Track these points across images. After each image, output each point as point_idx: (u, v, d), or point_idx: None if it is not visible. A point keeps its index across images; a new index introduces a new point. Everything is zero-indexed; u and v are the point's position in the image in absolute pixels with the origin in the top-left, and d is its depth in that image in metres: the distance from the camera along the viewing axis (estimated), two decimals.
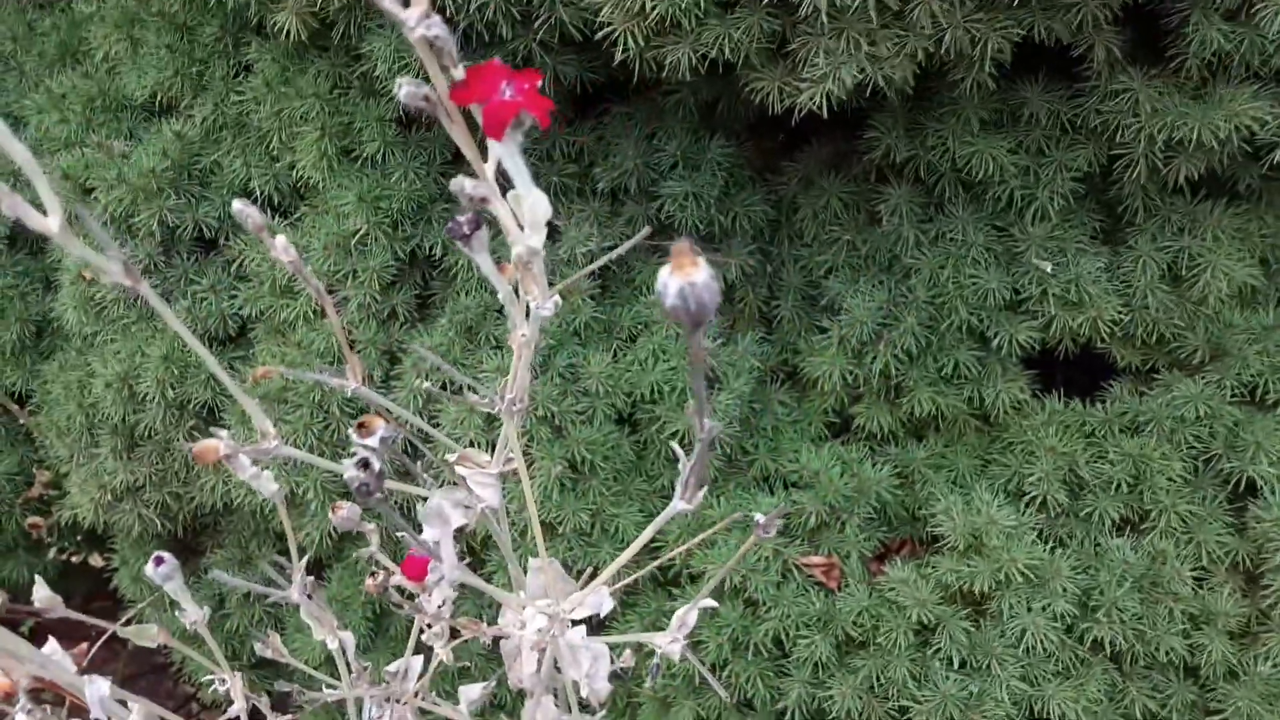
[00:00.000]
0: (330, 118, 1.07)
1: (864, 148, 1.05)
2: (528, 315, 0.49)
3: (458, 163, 1.14)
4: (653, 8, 0.85)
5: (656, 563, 0.55)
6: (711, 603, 0.60)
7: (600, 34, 0.90)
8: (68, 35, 1.35)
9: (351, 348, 1.13)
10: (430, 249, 1.12)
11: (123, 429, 1.21)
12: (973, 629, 1.00)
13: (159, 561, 0.53)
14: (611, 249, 1.15)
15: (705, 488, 0.46)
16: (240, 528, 1.29)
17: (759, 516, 0.53)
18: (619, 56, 0.90)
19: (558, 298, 0.46)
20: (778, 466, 1.11)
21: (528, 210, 0.42)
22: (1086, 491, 1.06)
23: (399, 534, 0.60)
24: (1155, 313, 1.05)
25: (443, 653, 0.68)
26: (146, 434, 1.19)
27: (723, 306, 1.16)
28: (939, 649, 0.99)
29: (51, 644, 0.77)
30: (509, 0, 0.90)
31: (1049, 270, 0.98)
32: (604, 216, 1.12)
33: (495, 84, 0.39)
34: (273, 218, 1.16)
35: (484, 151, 0.42)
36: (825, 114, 0.87)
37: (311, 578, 0.60)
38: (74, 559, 1.40)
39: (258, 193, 1.16)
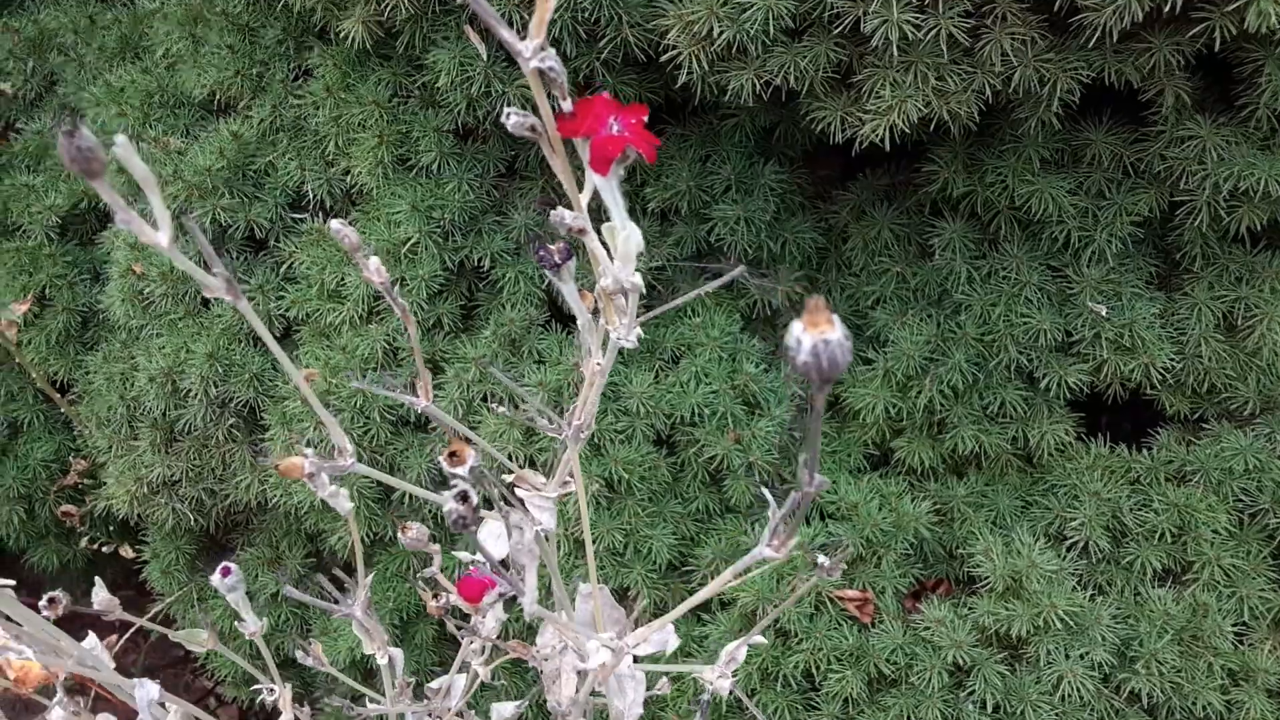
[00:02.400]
0: (388, 125, 1.08)
1: (920, 181, 1.04)
2: (604, 344, 0.48)
3: (510, 176, 1.14)
4: (720, 33, 0.85)
5: (707, 592, 0.54)
6: (761, 639, 0.60)
7: (665, 56, 0.90)
8: (129, 30, 1.36)
9: (396, 355, 1.13)
10: (479, 260, 1.12)
11: (163, 423, 1.21)
12: (1008, 673, 0.98)
13: (226, 572, 0.53)
14: (661, 269, 1.15)
15: (796, 538, 0.46)
16: (272, 527, 1.29)
17: (823, 559, 0.52)
18: (682, 79, 0.90)
19: (640, 330, 0.46)
20: (816, 496, 1.10)
21: (621, 243, 0.42)
22: (1129, 539, 1.05)
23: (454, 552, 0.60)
24: (1208, 362, 1.03)
25: (483, 671, 0.67)
26: (186, 429, 1.20)
27: (765, 332, 1.16)
28: (973, 692, 0.97)
29: (91, 639, 0.77)
30: (576, 20, 0.90)
31: (1104, 313, 0.97)
32: (653, 236, 1.12)
33: (603, 118, 0.39)
34: (324, 221, 1.16)
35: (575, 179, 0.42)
36: (887, 146, 0.86)
37: (366, 592, 0.60)
38: (104, 549, 1.41)
39: (311, 196, 1.16)
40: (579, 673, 0.67)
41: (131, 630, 0.90)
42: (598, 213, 1.17)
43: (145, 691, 0.53)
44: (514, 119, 0.40)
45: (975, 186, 1.00)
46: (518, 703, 0.80)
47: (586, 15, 0.90)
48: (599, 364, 0.49)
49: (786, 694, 1.01)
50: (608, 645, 0.51)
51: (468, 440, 0.45)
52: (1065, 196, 0.98)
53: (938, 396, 1.05)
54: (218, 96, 1.21)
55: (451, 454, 0.38)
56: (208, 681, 1.69)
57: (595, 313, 0.49)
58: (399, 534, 0.54)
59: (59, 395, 1.31)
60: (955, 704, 0.97)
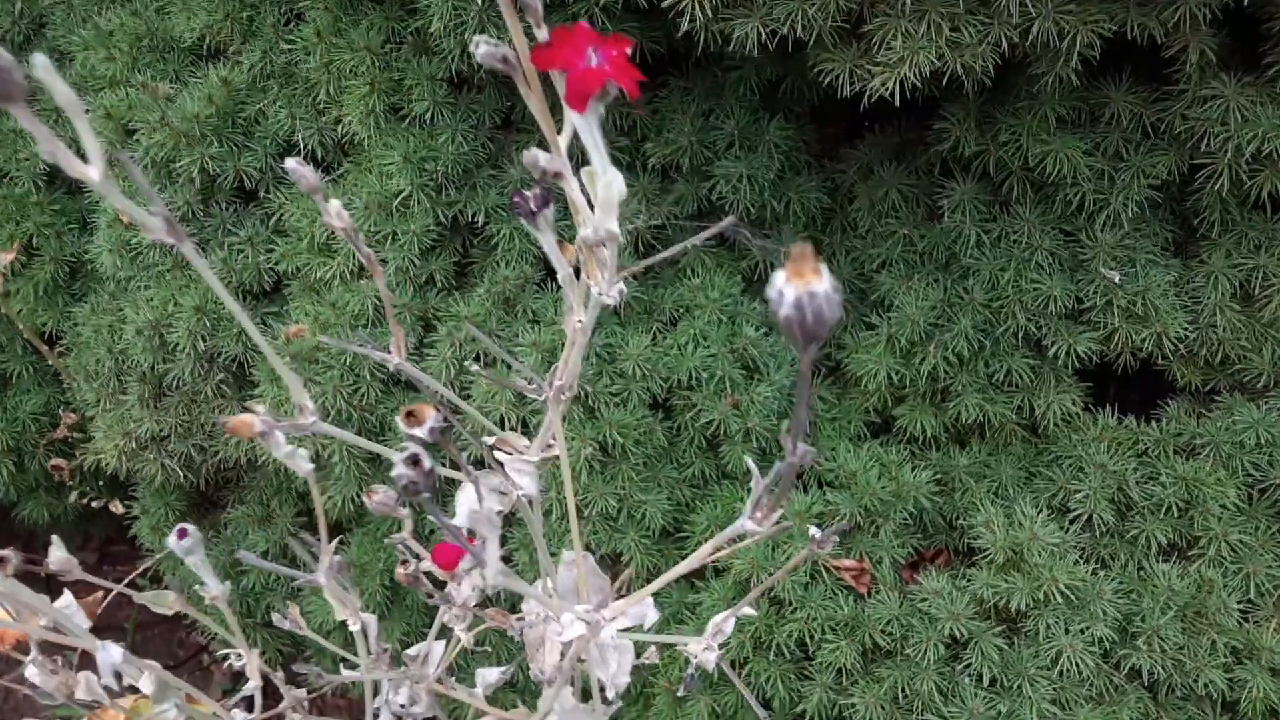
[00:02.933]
0: (380, 73, 1.04)
1: (931, 139, 1.01)
2: (587, 300, 0.45)
3: (506, 128, 1.10)
4: None
5: (687, 565, 0.51)
6: (750, 611, 0.57)
7: (666, 2, 0.86)
8: None
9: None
10: (473, 215, 1.09)
11: (151, 377, 1.19)
12: (1006, 646, 0.96)
13: (182, 534, 0.51)
14: (660, 229, 1.11)
15: (781, 511, 0.43)
16: (262, 485, 1.27)
17: (814, 530, 0.49)
18: (684, 27, 0.86)
19: (622, 285, 0.43)
20: (814, 464, 1.07)
21: (602, 189, 0.39)
22: (1134, 513, 1.02)
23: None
24: (1222, 332, 1.00)
25: (464, 637, 0.65)
26: (175, 384, 1.17)
27: (764, 293, 1.13)
28: (969, 665, 0.95)
29: (66, 598, 0.75)
30: None
31: (1117, 280, 0.94)
32: (652, 193, 1.09)
33: (581, 49, 0.36)
34: (315, 172, 1.13)
35: (559, 122, 0.39)
36: (897, 101, 0.83)
37: (338, 557, 0.58)
38: (94, 503, 1.39)
39: (302, 145, 1.13)
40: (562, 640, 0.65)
41: (116, 590, 0.88)
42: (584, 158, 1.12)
43: (107, 655, 0.51)
44: (483, 49, 0.37)
45: (988, 146, 0.97)
46: (503, 668, 0.78)
47: None
48: (580, 321, 0.46)
49: (779, 663, 1.00)
50: (583, 618, 0.49)
51: (437, 403, 0.43)
52: (1081, 157, 0.94)
53: (942, 364, 1.02)
54: (207, 41, 1.17)
55: (409, 414, 0.36)
56: (201, 638, 1.69)
57: (578, 269, 0.46)
58: (365, 498, 0.51)
59: (47, 347, 1.29)
60: (951, 676, 0.96)
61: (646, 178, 1.09)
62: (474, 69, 0.99)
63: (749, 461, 0.45)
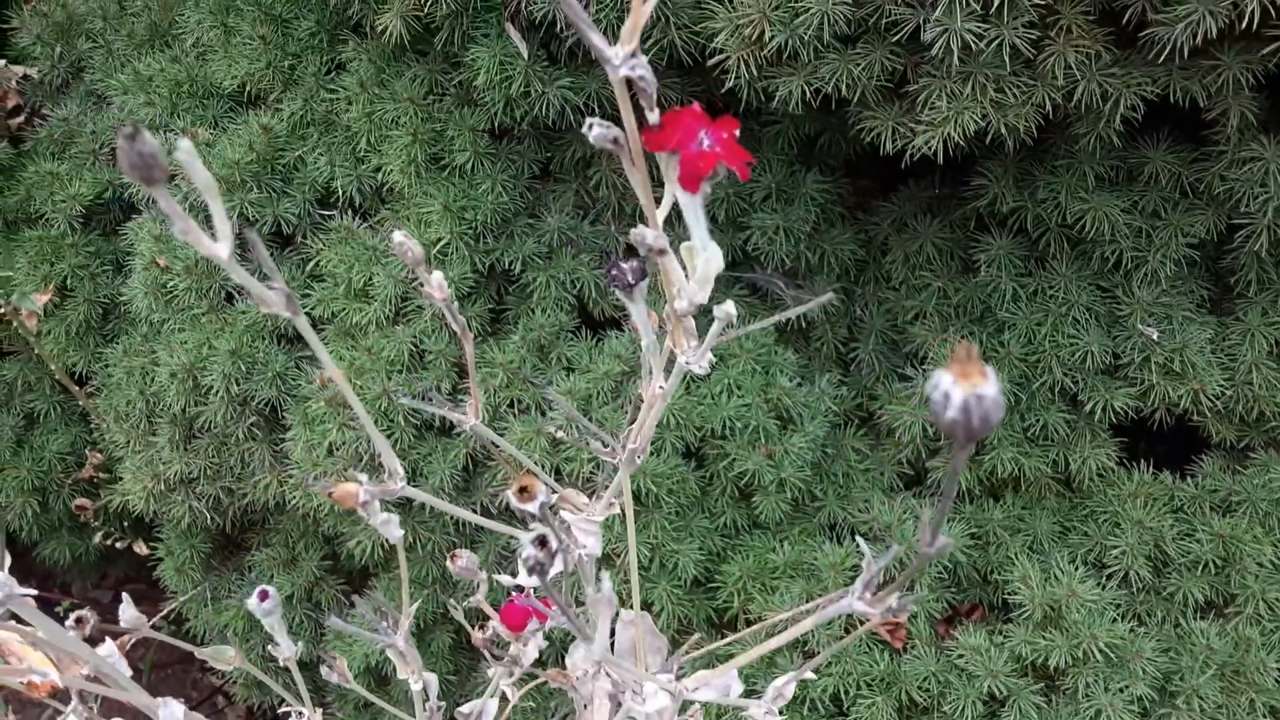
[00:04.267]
0: (422, 123, 1.05)
1: (968, 195, 1.02)
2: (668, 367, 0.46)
3: (544, 178, 1.12)
4: (771, 37, 0.82)
5: (785, 638, 0.51)
6: (811, 675, 0.57)
7: (712, 60, 0.87)
8: (158, 17, 1.34)
9: (422, 358, 1.11)
10: (510, 263, 1.09)
11: (182, 420, 1.19)
12: (1044, 705, 0.95)
13: (264, 596, 0.51)
14: None
15: (896, 597, 0.43)
16: (289, 528, 1.27)
17: (892, 601, 0.49)
18: (729, 84, 0.88)
19: (711, 355, 0.43)
20: (847, 515, 1.07)
21: (702, 264, 0.39)
22: (1171, 570, 1.02)
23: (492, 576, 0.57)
24: (1258, 389, 1.00)
25: (513, 694, 0.65)
26: (205, 426, 1.18)
27: (799, 344, 1.13)
28: None
29: (109, 646, 0.75)
30: (622, 20, 0.88)
31: (1155, 337, 0.94)
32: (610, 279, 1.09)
33: (693, 132, 0.36)
34: (353, 219, 1.14)
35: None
36: (940, 159, 0.84)
37: (410, 621, 0.57)
38: (118, 544, 1.39)
39: (340, 192, 1.14)
40: (613, 700, 0.65)
41: (149, 625, 0.88)
42: (633, 217, 1.13)
43: (170, 712, 0.51)
44: (596, 130, 0.37)
45: (1025, 202, 0.98)
46: None
47: None
48: (662, 387, 0.46)
49: (814, 718, 0.99)
50: (666, 688, 0.49)
51: (520, 468, 0.43)
52: (1119, 215, 0.95)
53: None
54: (248, 88, 1.19)
55: (522, 489, 0.36)
56: (216, 679, 1.67)
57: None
58: (449, 562, 0.51)
59: (78, 387, 1.29)
60: None
61: (681, 228, 1.10)
62: (516, 121, 1.00)
63: (861, 543, 0.45)
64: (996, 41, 0.77)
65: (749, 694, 0.56)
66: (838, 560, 1.02)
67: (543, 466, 1.06)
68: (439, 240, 1.06)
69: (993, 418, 0.25)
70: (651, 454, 1.05)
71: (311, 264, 1.15)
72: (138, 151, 0.31)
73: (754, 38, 0.83)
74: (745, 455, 1.04)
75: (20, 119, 1.38)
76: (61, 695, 0.94)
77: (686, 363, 0.43)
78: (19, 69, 1.39)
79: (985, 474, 1.05)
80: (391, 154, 1.08)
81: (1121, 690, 0.94)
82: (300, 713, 0.59)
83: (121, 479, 1.27)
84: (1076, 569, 0.99)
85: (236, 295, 1.17)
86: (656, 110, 0.36)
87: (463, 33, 0.95)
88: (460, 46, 0.97)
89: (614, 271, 0.41)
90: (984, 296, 1.03)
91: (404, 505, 1.14)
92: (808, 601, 1.02)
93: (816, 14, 0.79)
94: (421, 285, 1.08)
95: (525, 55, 0.94)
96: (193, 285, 1.16)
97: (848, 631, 1.01)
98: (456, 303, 1.10)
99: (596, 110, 0.98)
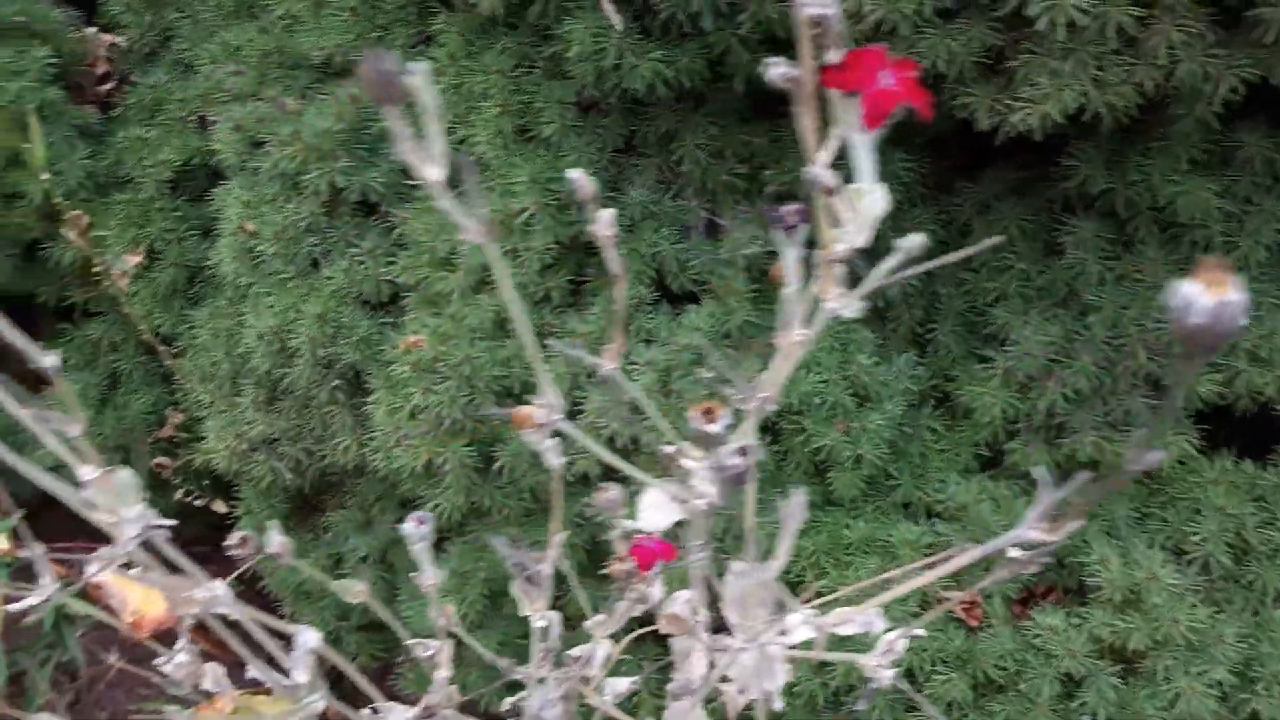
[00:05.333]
0: (511, 95, 1.07)
1: (1057, 176, 1.01)
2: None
3: (628, 151, 1.13)
4: (870, 11, 0.83)
5: (908, 585, 0.53)
6: (922, 632, 0.58)
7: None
8: None
9: (504, 326, 1.13)
10: (592, 236, 1.11)
11: (266, 381, 1.22)
12: (1122, 686, 0.95)
13: (421, 521, 0.53)
14: (773, 254, 1.13)
15: (1078, 522, 0.44)
16: (365, 491, 1.30)
17: (1014, 551, 0.50)
18: (822, 60, 0.88)
19: (860, 304, 0.44)
20: (922, 495, 1.07)
21: (867, 205, 0.40)
22: (1251, 557, 1.01)
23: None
24: None
25: (613, 647, 0.66)
26: (289, 389, 1.20)
27: (875, 324, 1.13)
28: (1085, 703, 0.95)
29: (217, 583, 0.78)
30: None
31: (1244, 324, 0.93)
32: (768, 220, 1.10)
33: (875, 71, 0.37)
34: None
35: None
36: (1038, 137, 0.84)
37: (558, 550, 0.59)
38: (196, 502, 1.43)
39: None
40: (712, 652, 0.66)
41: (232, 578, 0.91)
42: (714, 194, 1.12)
43: (305, 639, 0.53)
44: (779, 70, 0.38)
45: (1116, 185, 0.97)
46: (633, 679, 0.79)
47: None
48: (802, 334, 0.47)
49: (887, 694, 1.00)
50: (810, 621, 0.50)
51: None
52: (1212, 200, 0.94)
53: (1059, 400, 1.02)
54: (336, 59, 1.21)
55: (706, 411, 0.37)
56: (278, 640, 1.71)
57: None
58: (594, 496, 0.53)
59: (165, 347, 1.33)
60: (1066, 714, 0.95)
61: (763, 204, 1.11)
62: (605, 93, 1.01)
63: (1038, 472, 0.46)
64: (1103, 19, 0.77)
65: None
66: (914, 538, 1.03)
67: (621, 435, 1.08)
68: (523, 210, 1.08)
69: (1236, 323, 0.26)
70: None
71: (396, 232, 1.17)
72: (378, 69, 0.33)
73: (851, 12, 0.83)
74: (822, 431, 1.05)
75: (109, 85, 1.41)
76: (162, 636, 0.98)
77: (835, 308, 0.44)
78: (108, 37, 1.42)
79: (1064, 457, 1.05)
80: (479, 125, 1.09)
81: (1201, 674, 0.94)
82: (428, 646, 0.61)
83: (204, 438, 1.31)
84: (1157, 554, 0.99)
85: (322, 261, 1.20)
86: (836, 51, 0.38)
87: (557, 5, 0.97)
88: (554, 19, 0.98)
89: (775, 214, 0.42)
90: (1069, 279, 1.03)
91: (482, 470, 1.16)
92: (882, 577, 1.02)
93: None
94: (509, 256, 1.09)
95: (619, 28, 0.95)
96: (280, 250, 1.19)
97: (922, 608, 1.02)
98: (540, 274, 1.12)
99: (687, 83, 0.99)
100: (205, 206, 1.34)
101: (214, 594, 0.72)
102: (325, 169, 1.15)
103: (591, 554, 1.19)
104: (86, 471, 0.59)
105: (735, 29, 0.92)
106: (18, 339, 0.45)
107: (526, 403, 1.19)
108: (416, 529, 0.53)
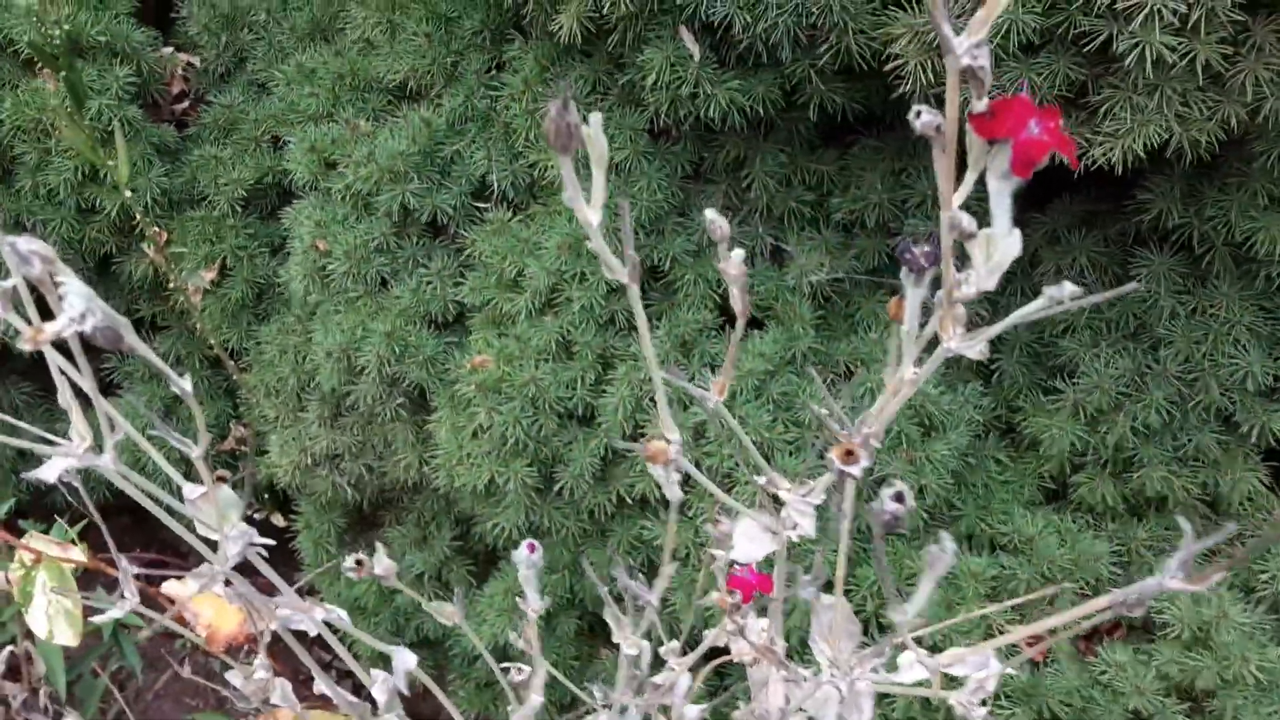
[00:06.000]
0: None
1: (1130, 209, 1.01)
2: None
3: (695, 178, 1.14)
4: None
5: (1065, 617, 0.53)
6: (1011, 669, 0.58)
7: (889, 65, 0.88)
8: (319, 12, 1.40)
9: (569, 349, 1.14)
10: (659, 260, 1.12)
11: (331, 398, 1.24)
12: None
13: (531, 548, 0.54)
14: (839, 281, 1.13)
15: (1221, 575, 0.44)
16: (422, 508, 1.31)
17: (1216, 577, 0.49)
18: (902, 89, 0.89)
19: (985, 346, 0.45)
20: (986, 526, 1.07)
21: (1001, 250, 0.41)
22: None
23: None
24: None
25: (695, 676, 0.67)
26: (354, 405, 1.22)
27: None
28: None
29: (291, 596, 0.79)
30: (799, 23, 0.90)
31: None
32: (834, 247, 1.11)
33: (1024, 120, 0.38)
34: (506, 211, 1.18)
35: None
36: (1119, 171, 0.84)
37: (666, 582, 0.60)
38: (255, 515, 1.45)
39: (495, 186, 1.18)
40: (789, 684, 0.66)
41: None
42: (780, 219, 1.13)
43: (402, 660, 0.54)
44: (924, 118, 0.39)
45: (1191, 219, 0.97)
46: (702, 706, 0.79)
47: (810, 20, 0.89)
48: (915, 373, 0.48)
49: None
50: (924, 662, 0.50)
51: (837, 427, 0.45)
52: None
53: (1128, 434, 1.01)
54: (410, 83, 1.24)
55: (847, 453, 0.38)
56: (325, 654, 1.73)
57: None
58: (711, 526, 0.54)
59: (232, 362, 1.35)
60: None
61: (828, 231, 1.12)
62: (678, 121, 1.03)
63: (1182, 521, 0.46)
64: (1189, 56, 0.77)
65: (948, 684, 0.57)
66: (979, 570, 1.02)
67: (703, 463, 1.09)
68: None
69: None
70: (792, 453, 1.06)
71: (464, 254, 1.19)
72: (565, 121, 0.34)
73: (935, 44, 0.84)
74: (886, 460, 1.05)
75: (185, 104, 1.45)
76: (231, 651, 0.99)
77: (953, 347, 0.44)
78: (184, 56, 1.46)
79: (1132, 492, 1.04)
80: (552, 150, 1.11)
81: (1271, 715, 0.93)
82: (520, 669, 0.62)
83: (267, 452, 1.33)
84: (1224, 592, 0.98)
85: (391, 280, 1.22)
86: (983, 100, 0.38)
87: (636, 34, 0.98)
88: (632, 47, 1.00)
89: (909, 254, 0.42)
90: (1140, 312, 1.02)
91: (543, 490, 1.17)
92: (947, 609, 1.02)
93: (1004, 22, 0.80)
94: (575, 279, 1.11)
95: (696, 57, 0.96)
96: (350, 269, 1.21)
97: (985, 641, 1.01)
98: (605, 298, 1.13)
99: (762, 111, 1.00)
100: (276, 224, 1.37)
101: (302, 611, 0.73)
102: (398, 190, 1.18)
103: (648, 577, 1.20)
104: (191, 490, 0.60)
105: (814, 60, 0.94)
106: (155, 361, 0.46)
107: (590, 423, 1.19)
108: (528, 556, 0.54)
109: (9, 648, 1.45)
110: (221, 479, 1.46)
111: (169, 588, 0.99)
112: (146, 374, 1.47)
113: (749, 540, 0.56)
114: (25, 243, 0.37)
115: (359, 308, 1.21)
